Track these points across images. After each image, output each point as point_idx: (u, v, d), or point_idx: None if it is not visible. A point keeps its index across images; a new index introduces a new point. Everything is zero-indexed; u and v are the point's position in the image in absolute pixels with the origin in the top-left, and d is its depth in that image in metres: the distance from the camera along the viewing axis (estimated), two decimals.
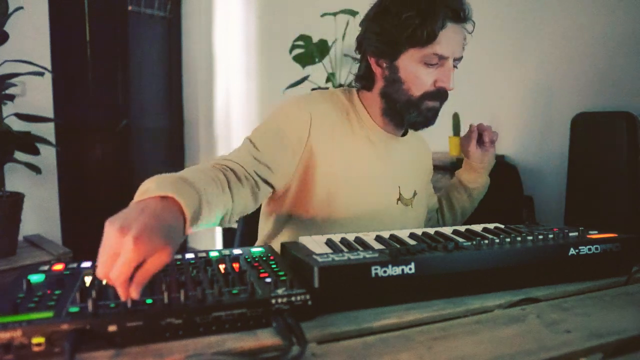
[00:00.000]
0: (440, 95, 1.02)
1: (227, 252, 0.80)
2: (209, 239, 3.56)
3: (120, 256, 0.56)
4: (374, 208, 1.07)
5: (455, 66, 1.02)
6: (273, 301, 0.62)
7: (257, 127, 1.03)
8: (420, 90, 1.01)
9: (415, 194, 1.15)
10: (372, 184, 1.06)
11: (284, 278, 0.68)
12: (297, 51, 2.46)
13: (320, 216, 1.03)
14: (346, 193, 1.03)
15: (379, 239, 0.85)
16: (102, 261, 0.57)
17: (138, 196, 0.67)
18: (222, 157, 0.94)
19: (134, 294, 0.57)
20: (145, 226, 0.58)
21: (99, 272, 0.58)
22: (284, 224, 1.08)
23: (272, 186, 0.99)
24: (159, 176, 0.71)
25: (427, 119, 1.04)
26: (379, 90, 1.07)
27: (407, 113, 1.03)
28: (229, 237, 3.18)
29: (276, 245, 1.01)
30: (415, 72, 1.00)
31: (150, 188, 0.67)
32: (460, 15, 0.97)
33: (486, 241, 0.79)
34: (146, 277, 0.58)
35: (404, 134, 1.15)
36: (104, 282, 0.61)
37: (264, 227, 1.14)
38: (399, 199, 1.10)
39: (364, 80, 1.09)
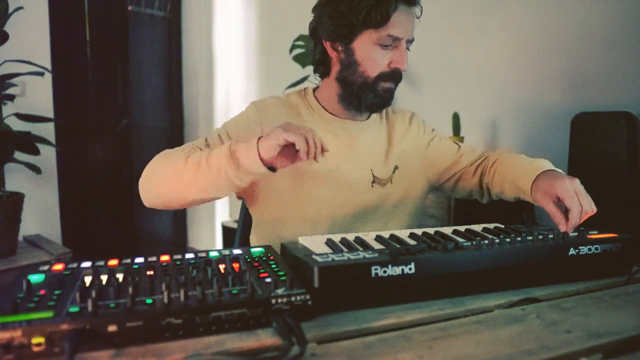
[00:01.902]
0: (395, 76, 1.05)
1: (227, 252, 0.80)
2: (209, 239, 3.56)
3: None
4: (347, 196, 1.09)
5: (408, 48, 1.05)
6: (273, 301, 0.62)
7: (215, 129, 1.09)
8: (376, 71, 1.04)
9: (396, 168, 1.15)
10: (340, 174, 1.08)
11: (284, 278, 0.68)
12: (297, 51, 2.46)
13: (293, 213, 1.07)
14: (313, 187, 1.07)
15: (379, 239, 0.85)
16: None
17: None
18: (183, 147, 1.02)
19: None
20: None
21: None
22: (262, 225, 1.13)
23: None
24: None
25: (383, 100, 1.07)
26: (336, 74, 1.09)
27: (363, 95, 1.06)
28: (229, 237, 3.18)
29: (264, 242, 1.11)
30: (370, 53, 1.03)
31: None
32: None
33: (486, 241, 0.79)
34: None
35: (368, 118, 1.16)
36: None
37: (254, 226, 1.19)
38: (373, 182, 1.12)
39: (321, 66, 1.12)
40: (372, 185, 1.12)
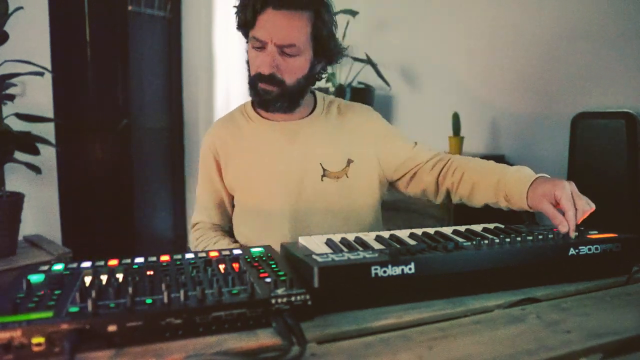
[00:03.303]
0: (268, 79, 1.06)
1: (227, 252, 0.80)
2: None
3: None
4: (298, 190, 1.13)
5: (287, 53, 1.05)
6: (273, 301, 0.62)
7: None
8: (252, 72, 1.09)
9: (349, 162, 1.16)
10: (285, 170, 1.13)
11: (283, 278, 0.68)
12: None
13: (259, 210, 1.15)
14: (263, 189, 1.14)
15: (379, 239, 0.85)
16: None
17: None
18: (195, 228, 1.26)
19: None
20: None
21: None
22: (240, 226, 1.22)
23: (230, 196, 1.23)
24: None
25: (263, 101, 1.10)
26: None
27: (250, 94, 1.12)
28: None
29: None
30: (249, 54, 1.10)
31: None
32: (277, 2, 1.01)
33: (486, 241, 0.79)
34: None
35: (311, 113, 1.19)
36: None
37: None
38: (323, 175, 1.14)
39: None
40: (322, 179, 1.14)
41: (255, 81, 1.08)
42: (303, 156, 1.14)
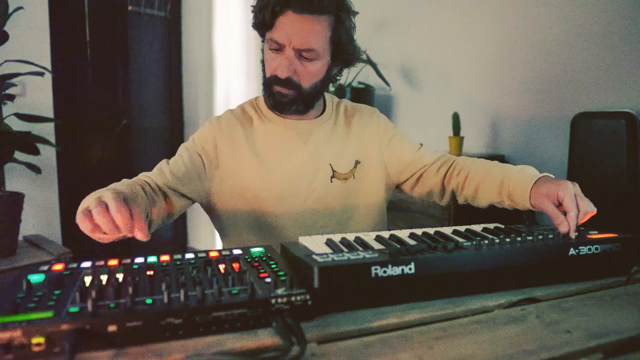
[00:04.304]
0: (285, 82, 1.04)
1: (227, 252, 0.80)
2: (209, 239, 3.56)
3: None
4: (307, 190, 1.12)
5: (304, 57, 1.03)
6: (273, 301, 0.62)
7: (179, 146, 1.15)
8: (268, 73, 1.07)
9: (357, 163, 1.16)
10: (297, 169, 1.11)
11: (283, 278, 0.68)
12: None
13: (256, 214, 1.10)
14: (271, 187, 1.10)
15: (379, 239, 0.85)
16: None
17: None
18: (143, 174, 1.05)
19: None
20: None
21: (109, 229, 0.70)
22: (231, 231, 1.14)
23: (185, 196, 1.06)
24: (100, 190, 0.83)
25: (278, 103, 1.09)
26: None
27: (264, 95, 1.11)
28: None
29: (231, 244, 1.16)
30: (265, 55, 1.08)
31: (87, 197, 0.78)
32: (298, 5, 0.99)
33: (486, 241, 0.79)
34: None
35: (320, 115, 1.18)
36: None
37: (220, 238, 1.21)
38: (332, 176, 1.14)
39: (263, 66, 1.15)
40: (331, 180, 1.13)
41: (271, 83, 1.07)
42: (315, 156, 1.13)
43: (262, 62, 1.10)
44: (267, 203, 1.10)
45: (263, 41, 1.09)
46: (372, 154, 1.19)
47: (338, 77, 1.18)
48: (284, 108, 1.10)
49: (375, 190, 1.18)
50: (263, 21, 1.02)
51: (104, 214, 0.71)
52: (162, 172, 1.05)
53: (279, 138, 1.13)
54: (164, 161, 1.09)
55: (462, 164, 1.15)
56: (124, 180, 0.97)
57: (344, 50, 1.08)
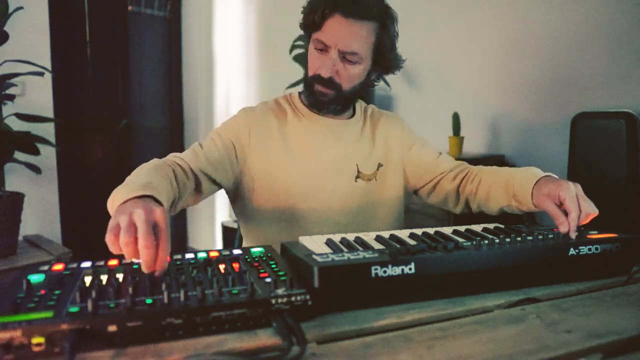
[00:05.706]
0: (326, 82, 1.08)
1: (227, 252, 0.80)
2: (209, 239, 3.56)
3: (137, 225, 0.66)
4: (333, 188, 1.14)
5: (347, 59, 1.06)
6: (273, 301, 0.62)
7: (210, 132, 1.16)
8: (311, 72, 1.11)
9: (379, 166, 1.19)
10: (324, 168, 1.14)
11: (284, 278, 0.68)
12: (297, 51, 2.46)
13: (282, 206, 1.12)
14: (299, 181, 1.12)
15: (379, 239, 0.85)
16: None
17: (116, 202, 0.76)
18: (173, 155, 1.05)
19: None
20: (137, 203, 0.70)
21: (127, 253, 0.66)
22: (253, 221, 1.16)
23: (215, 182, 1.08)
24: (125, 185, 0.81)
25: (317, 102, 1.12)
26: None
27: (305, 92, 1.15)
28: (229, 237, 3.18)
29: (253, 242, 1.18)
30: (310, 55, 1.11)
31: (122, 192, 0.76)
32: (347, 10, 1.03)
33: (486, 241, 0.79)
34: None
35: (352, 117, 1.22)
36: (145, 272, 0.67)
37: (242, 227, 1.23)
38: (357, 176, 1.16)
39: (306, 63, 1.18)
40: (355, 180, 1.16)
41: (312, 82, 1.10)
42: (343, 156, 1.16)
43: (306, 60, 1.14)
44: (293, 195, 1.12)
45: (309, 41, 1.12)
46: (394, 158, 1.22)
47: (376, 83, 1.23)
48: (322, 107, 1.13)
49: (395, 193, 1.21)
50: (312, 22, 1.06)
51: (132, 246, 0.66)
52: (197, 156, 1.05)
53: (312, 134, 1.16)
54: (196, 144, 1.10)
55: (477, 171, 1.17)
56: (154, 161, 0.96)
57: (385, 57, 1.12)
